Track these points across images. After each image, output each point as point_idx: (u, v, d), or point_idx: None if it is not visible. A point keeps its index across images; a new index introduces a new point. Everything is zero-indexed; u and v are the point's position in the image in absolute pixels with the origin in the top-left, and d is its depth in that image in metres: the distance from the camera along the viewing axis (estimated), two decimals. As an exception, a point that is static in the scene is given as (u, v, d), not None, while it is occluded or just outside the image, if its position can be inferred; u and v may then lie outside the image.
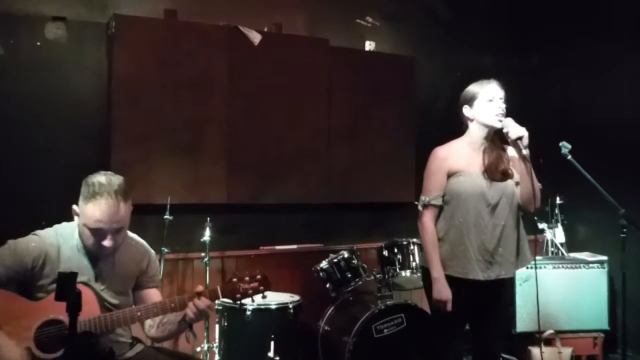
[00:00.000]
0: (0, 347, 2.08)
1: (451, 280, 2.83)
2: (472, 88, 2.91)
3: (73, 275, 1.75)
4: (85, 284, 2.22)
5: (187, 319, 2.24)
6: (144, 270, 2.45)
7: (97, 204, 2.17)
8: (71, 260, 2.27)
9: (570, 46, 4.95)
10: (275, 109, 4.08)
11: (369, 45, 4.52)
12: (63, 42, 3.64)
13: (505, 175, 2.86)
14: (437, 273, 2.83)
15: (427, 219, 2.90)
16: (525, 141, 2.73)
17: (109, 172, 2.30)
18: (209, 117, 3.88)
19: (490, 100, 2.83)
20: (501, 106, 2.83)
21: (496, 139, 2.91)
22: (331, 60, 4.27)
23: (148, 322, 2.39)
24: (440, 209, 2.90)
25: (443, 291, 2.81)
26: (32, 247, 2.24)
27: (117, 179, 2.26)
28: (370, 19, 4.57)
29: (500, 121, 2.81)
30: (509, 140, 2.79)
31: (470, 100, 2.88)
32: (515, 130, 2.74)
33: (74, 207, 2.27)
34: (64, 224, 2.37)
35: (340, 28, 4.47)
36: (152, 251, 2.53)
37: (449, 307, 2.80)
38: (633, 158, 4.36)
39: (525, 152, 2.74)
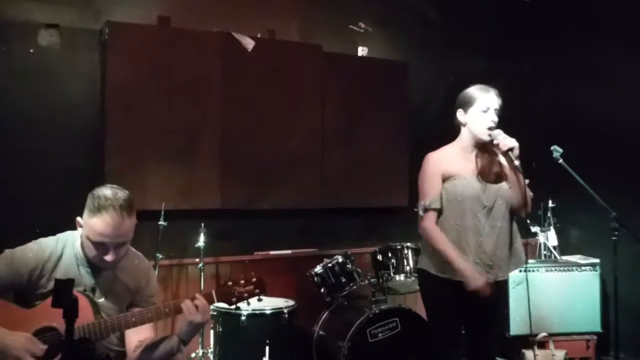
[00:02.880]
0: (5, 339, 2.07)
1: (449, 284, 2.84)
2: (471, 93, 2.89)
3: (70, 282, 1.75)
4: (81, 292, 2.21)
5: (180, 333, 2.21)
6: (141, 288, 2.41)
7: (102, 218, 2.15)
8: (70, 270, 2.25)
9: (562, 51, 4.98)
10: (269, 114, 4.09)
11: (362, 51, 4.54)
12: (56, 49, 3.65)
13: (499, 178, 2.89)
14: (462, 264, 2.77)
15: (430, 222, 2.88)
16: (516, 152, 2.74)
17: (115, 186, 2.27)
18: (203, 122, 3.89)
19: (484, 112, 2.83)
20: (493, 119, 2.83)
21: (488, 142, 2.93)
22: (324, 66, 4.29)
23: (134, 342, 2.32)
24: (439, 211, 2.91)
25: (478, 277, 2.76)
26: (29, 258, 2.22)
27: (123, 193, 2.23)
28: (362, 25, 4.60)
29: (489, 135, 2.82)
30: (500, 151, 2.81)
31: (465, 105, 2.89)
32: (505, 141, 2.75)
33: (78, 219, 2.25)
34: (67, 232, 2.34)
35: (333, 34, 4.49)
36: (153, 271, 2.52)
37: (489, 290, 2.76)
38: (624, 161, 4.39)
39: (516, 162, 2.75)
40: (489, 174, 2.87)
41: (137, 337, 2.31)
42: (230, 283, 2.27)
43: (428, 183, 2.92)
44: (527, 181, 2.87)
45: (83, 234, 2.23)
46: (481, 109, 2.84)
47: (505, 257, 2.90)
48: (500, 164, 2.91)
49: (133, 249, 2.44)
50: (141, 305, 2.39)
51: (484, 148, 2.92)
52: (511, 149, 2.73)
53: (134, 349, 2.32)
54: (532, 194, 2.91)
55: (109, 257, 2.20)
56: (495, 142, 2.80)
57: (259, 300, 2.32)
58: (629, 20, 4.49)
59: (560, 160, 3.11)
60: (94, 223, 2.17)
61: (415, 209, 2.96)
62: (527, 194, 2.85)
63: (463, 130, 2.93)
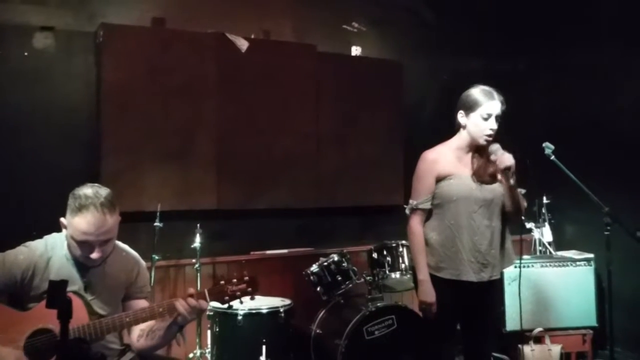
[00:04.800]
0: None
1: (444, 283, 2.87)
2: (475, 96, 2.87)
3: (64, 283, 1.77)
4: (75, 292, 2.24)
5: (178, 320, 2.24)
6: (132, 280, 2.45)
7: (84, 217, 2.18)
8: (61, 270, 2.28)
9: (556, 50, 5.00)
10: (264, 114, 4.11)
11: (356, 51, 4.57)
12: (51, 51, 3.66)
13: (494, 178, 2.91)
14: (423, 275, 2.89)
15: (415, 222, 2.95)
16: (513, 169, 2.78)
17: (96, 185, 2.31)
18: (199, 123, 3.91)
19: (486, 119, 2.84)
20: (493, 127, 2.84)
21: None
22: (318, 66, 4.31)
23: (136, 332, 2.38)
24: (430, 212, 2.95)
25: (429, 293, 2.87)
26: (20, 260, 2.25)
27: (103, 191, 2.27)
28: (356, 25, 4.62)
29: (487, 141, 2.85)
30: (497, 169, 2.84)
31: (468, 109, 2.88)
32: (502, 159, 2.79)
33: (62, 219, 2.29)
34: (54, 234, 2.38)
35: (327, 34, 4.51)
36: (143, 262, 2.54)
37: (434, 309, 2.85)
38: (619, 157, 4.41)
39: (512, 181, 2.80)
40: (484, 174, 2.89)
41: (139, 326, 2.35)
42: (222, 282, 2.30)
43: (421, 182, 2.95)
44: (523, 191, 2.93)
45: (67, 234, 2.26)
46: (483, 116, 2.84)
47: (499, 256, 2.93)
48: (495, 165, 2.93)
49: (119, 243, 2.46)
50: (136, 296, 2.44)
51: (481, 149, 2.93)
52: (508, 168, 2.77)
53: (137, 338, 2.38)
54: (526, 204, 2.97)
55: (94, 255, 2.23)
56: (492, 157, 2.83)
57: (252, 299, 2.34)
58: (622, 19, 4.51)
59: (552, 157, 3.14)
60: (76, 222, 2.19)
61: (405, 206, 3.00)
62: (521, 205, 2.90)
63: (462, 131, 2.94)
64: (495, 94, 2.87)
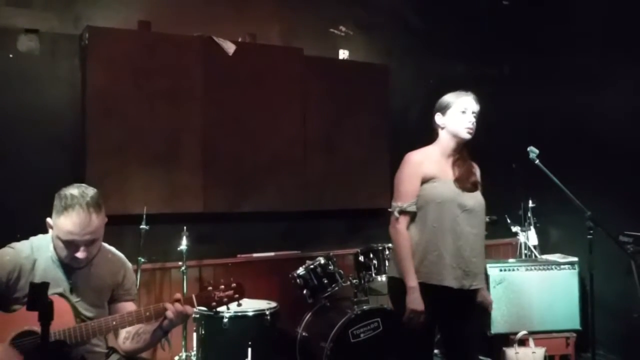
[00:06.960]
0: None
1: (425, 288, 2.79)
2: (448, 97, 2.91)
3: (44, 285, 1.76)
4: (61, 295, 2.24)
5: (164, 325, 2.25)
6: (119, 282, 2.45)
7: (69, 217, 2.18)
8: (47, 272, 2.27)
9: (541, 54, 5.06)
10: (251, 118, 4.12)
11: (343, 54, 4.58)
12: (36, 54, 3.65)
13: (475, 187, 2.90)
14: (413, 282, 2.76)
15: (402, 226, 2.85)
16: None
17: (82, 185, 2.31)
18: (185, 127, 3.91)
19: (463, 112, 2.84)
20: (472, 120, 2.85)
21: (465, 151, 2.94)
22: (305, 69, 4.32)
23: (123, 334, 2.38)
24: (413, 214, 2.91)
25: (418, 301, 2.74)
26: (6, 261, 2.24)
27: (90, 191, 2.27)
28: (343, 28, 4.64)
29: (469, 134, 2.85)
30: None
31: (443, 109, 2.90)
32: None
33: (48, 219, 2.28)
34: (40, 236, 2.37)
35: (314, 37, 4.52)
36: (129, 264, 2.54)
37: (423, 318, 2.75)
38: (603, 161, 4.45)
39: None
40: (466, 182, 2.87)
41: (125, 328, 2.35)
42: (210, 288, 2.31)
43: (406, 184, 2.88)
44: (494, 218, 3.05)
45: (53, 234, 2.26)
46: (460, 110, 2.85)
47: (481, 267, 2.90)
48: (475, 174, 2.95)
49: (105, 245, 2.46)
50: (124, 299, 2.44)
51: (462, 156, 2.92)
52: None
53: (123, 340, 2.38)
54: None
55: (80, 255, 2.23)
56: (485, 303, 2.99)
57: (239, 305, 2.35)
58: (606, 23, 4.57)
59: (537, 161, 3.17)
60: (62, 222, 2.19)
61: (390, 210, 2.96)
62: None
63: (442, 133, 2.92)
64: (469, 92, 2.91)
